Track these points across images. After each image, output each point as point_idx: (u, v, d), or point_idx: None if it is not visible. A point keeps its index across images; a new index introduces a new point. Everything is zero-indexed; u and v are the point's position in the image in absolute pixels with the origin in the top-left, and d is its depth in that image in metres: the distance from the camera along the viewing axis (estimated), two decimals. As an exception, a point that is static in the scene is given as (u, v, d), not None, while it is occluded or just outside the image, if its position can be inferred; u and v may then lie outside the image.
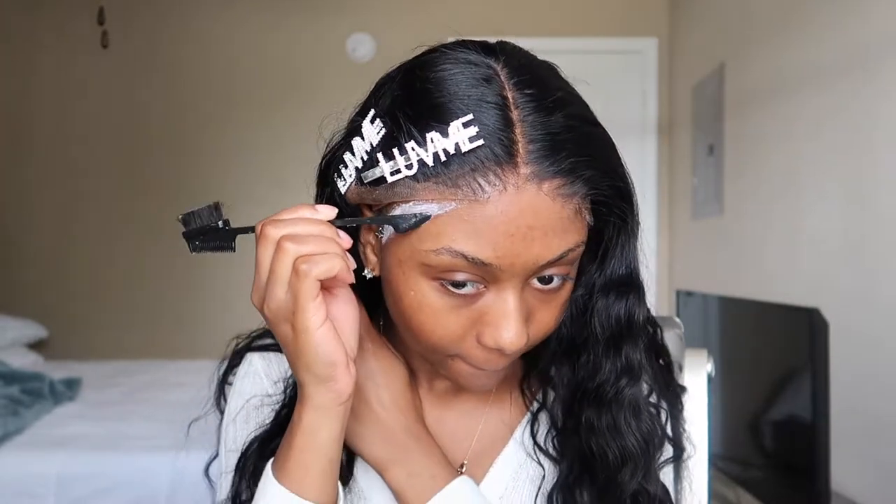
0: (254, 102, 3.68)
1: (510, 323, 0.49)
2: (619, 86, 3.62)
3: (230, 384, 0.68)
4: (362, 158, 0.50)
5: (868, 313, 1.79)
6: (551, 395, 0.63)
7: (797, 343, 1.38)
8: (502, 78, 0.48)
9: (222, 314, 3.55)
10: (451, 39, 0.54)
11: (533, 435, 0.62)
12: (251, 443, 0.62)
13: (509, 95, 0.47)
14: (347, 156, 0.51)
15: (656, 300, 3.47)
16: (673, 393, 0.64)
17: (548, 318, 0.53)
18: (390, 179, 0.48)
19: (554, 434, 0.61)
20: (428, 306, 0.50)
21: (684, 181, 3.40)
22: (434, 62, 0.50)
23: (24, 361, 2.91)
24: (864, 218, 1.85)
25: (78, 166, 3.70)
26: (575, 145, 0.47)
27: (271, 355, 0.67)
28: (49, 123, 3.71)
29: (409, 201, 0.47)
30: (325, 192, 0.56)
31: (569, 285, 0.53)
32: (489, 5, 3.61)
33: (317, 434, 0.51)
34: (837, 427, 1.35)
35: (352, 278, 0.49)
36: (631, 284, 0.57)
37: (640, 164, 3.64)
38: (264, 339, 0.68)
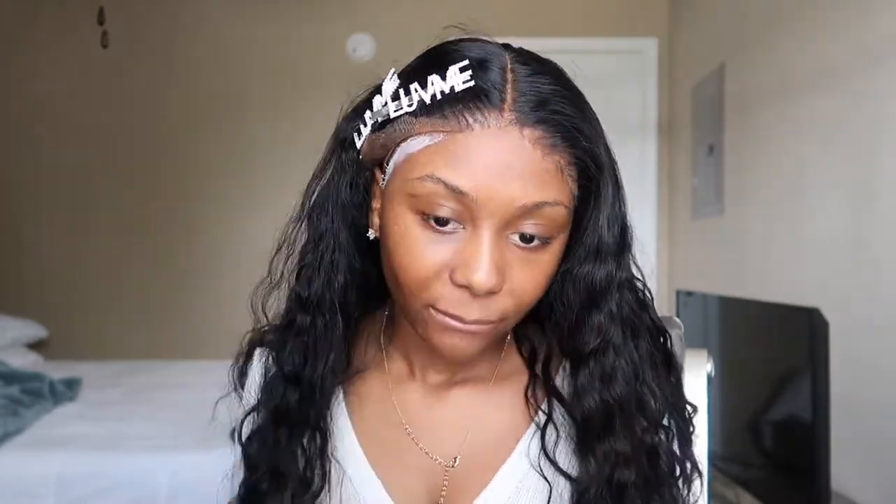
0: (254, 102, 3.68)
1: (482, 261, 0.51)
2: (619, 86, 3.62)
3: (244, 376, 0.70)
4: (378, 109, 0.55)
5: (868, 314, 1.79)
6: (558, 408, 0.62)
7: (797, 343, 1.38)
8: (507, 56, 0.54)
9: (223, 315, 3.55)
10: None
11: (543, 448, 0.61)
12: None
13: (509, 64, 0.53)
14: (367, 113, 0.56)
15: (656, 300, 3.46)
16: (682, 414, 0.63)
17: (527, 279, 0.54)
18: (393, 116, 0.54)
19: (571, 448, 0.61)
20: (410, 238, 0.53)
21: (684, 181, 3.40)
22: (451, 42, 0.56)
23: (24, 361, 2.91)
24: (864, 218, 1.85)
25: (78, 166, 3.70)
26: (561, 109, 0.52)
27: (266, 352, 0.68)
28: (49, 123, 3.71)
29: (407, 138, 0.53)
30: (338, 157, 0.60)
31: (551, 253, 0.55)
32: (489, 5, 3.61)
33: None
34: (837, 427, 1.35)
35: None
36: (598, 252, 0.57)
37: (640, 164, 3.64)
38: (271, 334, 0.68)
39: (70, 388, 2.38)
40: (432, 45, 0.58)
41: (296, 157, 3.53)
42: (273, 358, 0.66)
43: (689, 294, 2.06)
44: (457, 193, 0.50)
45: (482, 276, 0.51)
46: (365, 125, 0.56)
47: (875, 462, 1.71)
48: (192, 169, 3.70)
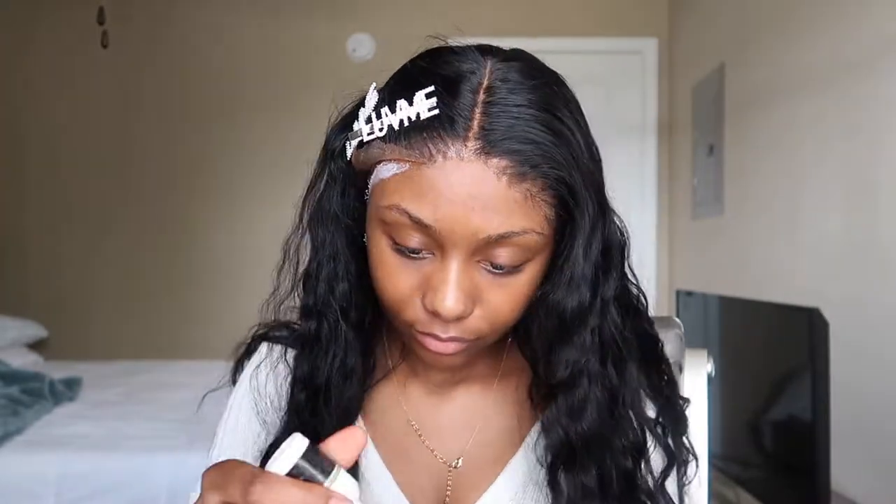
0: (254, 102, 3.68)
1: (448, 288, 0.51)
2: (619, 86, 3.62)
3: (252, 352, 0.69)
4: (359, 128, 0.55)
5: (868, 313, 1.79)
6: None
7: (797, 343, 1.38)
8: (486, 70, 0.52)
9: (223, 315, 3.55)
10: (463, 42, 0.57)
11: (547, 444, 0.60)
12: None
13: (484, 83, 0.51)
14: (356, 124, 0.55)
15: (656, 300, 3.47)
16: (674, 409, 0.63)
17: (500, 302, 0.54)
18: (366, 139, 0.53)
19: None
20: (384, 263, 0.54)
21: (684, 181, 3.40)
22: (435, 50, 0.55)
23: (24, 361, 2.91)
24: (864, 218, 1.85)
25: (78, 166, 3.70)
26: (533, 134, 0.50)
27: (277, 349, 0.67)
28: (49, 123, 3.71)
29: (380, 162, 0.52)
30: (329, 167, 0.59)
31: (527, 275, 0.54)
32: (489, 5, 3.61)
33: None
34: (837, 427, 1.35)
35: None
36: (571, 282, 0.56)
37: (640, 164, 3.64)
38: (280, 331, 0.68)
39: (70, 388, 2.38)
40: (414, 56, 0.57)
41: (296, 156, 3.52)
42: (284, 357, 0.66)
43: (689, 294, 2.06)
44: (421, 225, 0.50)
45: (449, 304, 0.51)
46: (353, 137, 0.56)
47: (875, 462, 1.71)
48: (193, 169, 3.70)
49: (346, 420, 0.61)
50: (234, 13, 3.69)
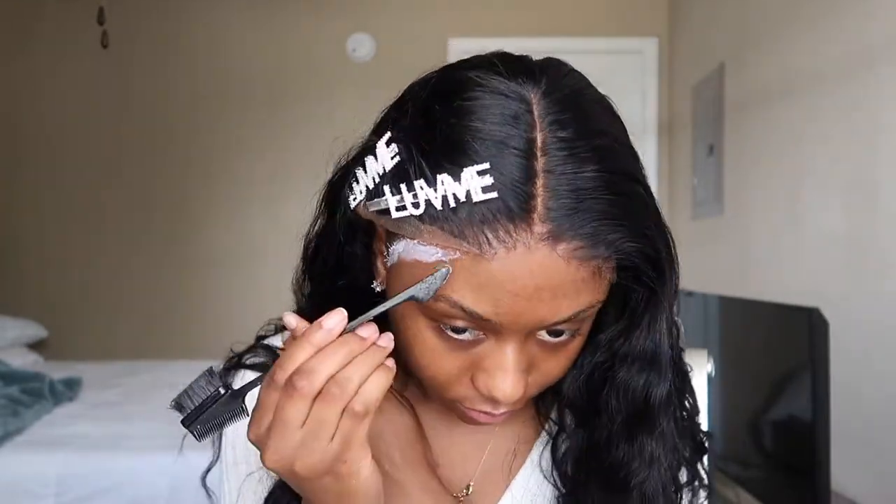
0: (254, 102, 3.68)
1: (506, 376, 0.46)
2: (619, 86, 3.60)
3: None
4: (374, 179, 0.46)
5: (868, 314, 1.79)
6: (569, 415, 0.60)
7: (797, 343, 1.38)
8: (535, 115, 0.43)
9: (223, 315, 3.55)
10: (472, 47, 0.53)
11: (554, 457, 0.58)
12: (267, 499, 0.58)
13: (538, 138, 0.43)
14: (360, 172, 0.47)
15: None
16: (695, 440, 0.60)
17: (554, 368, 0.50)
18: (395, 215, 0.44)
19: (573, 459, 0.58)
20: (423, 345, 0.48)
21: (684, 181, 3.40)
22: (461, 88, 0.45)
23: (24, 361, 2.91)
24: (864, 217, 1.85)
25: (78, 166, 3.70)
26: (604, 204, 0.43)
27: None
28: (49, 123, 3.71)
29: (414, 238, 0.44)
30: (335, 209, 0.51)
31: (580, 338, 0.49)
32: (489, 6, 3.61)
33: None
34: (837, 427, 1.35)
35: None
36: (654, 363, 0.51)
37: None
38: (255, 357, 0.62)
39: (70, 388, 2.38)
40: (435, 79, 0.48)
41: (297, 156, 3.53)
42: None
43: (689, 294, 2.06)
44: (477, 318, 0.44)
45: (507, 390, 0.46)
46: (357, 182, 0.47)
47: (875, 462, 1.70)
48: (193, 169, 3.70)
49: None
50: (234, 13, 3.69)
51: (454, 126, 0.43)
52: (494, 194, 0.41)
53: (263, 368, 0.60)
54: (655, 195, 0.48)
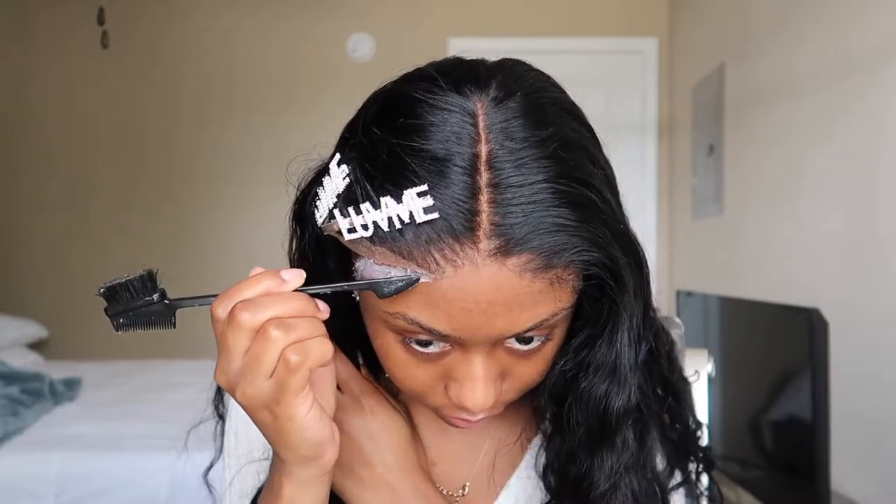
0: (254, 103, 3.68)
1: (475, 385, 0.47)
2: (619, 86, 3.62)
3: None
4: (332, 199, 0.46)
5: (868, 313, 1.79)
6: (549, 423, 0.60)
7: (797, 343, 1.38)
8: (480, 127, 0.42)
9: (222, 314, 3.55)
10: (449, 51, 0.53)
11: (547, 459, 0.58)
12: (256, 494, 0.58)
13: (483, 151, 0.42)
14: (321, 191, 0.47)
15: (656, 300, 3.46)
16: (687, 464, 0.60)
17: (528, 373, 0.50)
18: (347, 237, 0.44)
19: (551, 468, 0.58)
20: (393, 358, 0.48)
21: (684, 181, 3.40)
22: (403, 106, 0.44)
23: (24, 361, 2.91)
24: (864, 217, 1.85)
25: (78, 166, 3.70)
26: (554, 216, 0.42)
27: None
28: (49, 123, 3.71)
29: (368, 258, 0.44)
30: (304, 227, 0.52)
31: (553, 342, 0.49)
32: (489, 6, 3.61)
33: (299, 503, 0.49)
34: (837, 427, 1.35)
35: (331, 361, 0.45)
36: (614, 374, 0.51)
37: (640, 164, 3.64)
38: None
39: (70, 388, 2.38)
40: (382, 95, 0.48)
41: (295, 155, 3.53)
42: None
43: (689, 294, 2.06)
44: (436, 335, 0.45)
45: (477, 400, 0.47)
46: (320, 200, 0.47)
47: (875, 462, 1.71)
48: (193, 169, 3.70)
49: None
50: (234, 13, 3.69)
51: (395, 146, 0.43)
52: (436, 214, 0.41)
53: None
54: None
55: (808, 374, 1.33)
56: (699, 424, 0.61)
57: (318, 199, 0.47)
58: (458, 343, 0.45)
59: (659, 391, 0.57)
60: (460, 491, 0.61)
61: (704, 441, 0.63)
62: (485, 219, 0.41)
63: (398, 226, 0.42)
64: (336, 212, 0.44)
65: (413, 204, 0.41)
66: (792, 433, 1.45)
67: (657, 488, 0.56)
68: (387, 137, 0.43)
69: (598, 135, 0.49)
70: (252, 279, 0.44)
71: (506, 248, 0.41)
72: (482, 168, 0.42)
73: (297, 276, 0.44)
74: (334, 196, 0.45)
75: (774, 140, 2.41)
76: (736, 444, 1.71)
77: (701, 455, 0.60)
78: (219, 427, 0.66)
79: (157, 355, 3.36)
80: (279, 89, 3.67)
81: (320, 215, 0.47)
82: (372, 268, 0.44)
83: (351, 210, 0.43)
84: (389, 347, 0.48)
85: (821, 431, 1.30)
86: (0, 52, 3.68)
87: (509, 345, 0.47)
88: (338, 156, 0.46)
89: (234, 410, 0.65)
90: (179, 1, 3.71)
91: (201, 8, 3.71)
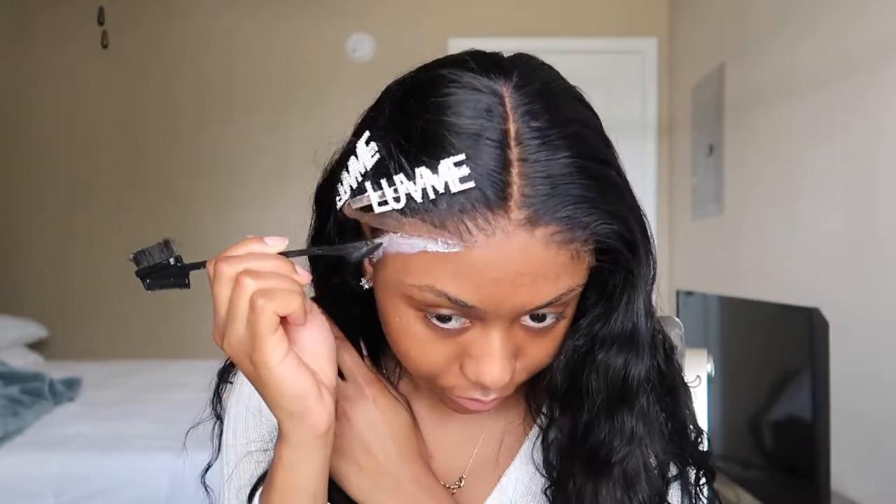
0: (254, 102, 3.68)
1: (493, 360, 0.48)
2: (619, 86, 3.62)
3: (230, 382, 0.66)
4: (356, 178, 0.48)
5: (868, 313, 1.79)
6: (556, 406, 0.60)
7: (797, 343, 1.38)
8: (508, 107, 0.45)
9: (222, 314, 3.55)
10: (457, 48, 0.53)
11: (545, 450, 0.59)
12: (257, 482, 0.59)
13: (512, 129, 0.44)
14: (344, 174, 0.49)
15: (656, 300, 3.46)
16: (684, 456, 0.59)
17: (540, 353, 0.51)
18: (377, 210, 0.45)
19: (557, 447, 0.59)
20: (412, 335, 0.49)
21: (684, 181, 3.40)
22: (435, 85, 0.46)
23: (24, 361, 2.91)
24: (864, 217, 1.85)
25: (78, 166, 3.71)
26: (578, 188, 0.44)
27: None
28: (49, 123, 3.71)
29: (396, 232, 0.45)
30: (324, 210, 0.54)
31: (565, 321, 0.51)
32: (489, 6, 3.61)
33: (297, 470, 0.49)
34: (837, 427, 1.35)
35: (304, 319, 0.47)
36: (632, 343, 0.53)
37: (640, 164, 3.64)
38: None
39: (70, 388, 2.38)
40: (408, 78, 0.50)
41: (297, 156, 3.53)
42: None
43: (689, 294, 2.06)
44: (462, 306, 0.46)
45: (495, 375, 0.48)
46: (342, 184, 0.49)
47: (875, 462, 1.71)
48: (192, 168, 3.70)
49: None
50: (233, 13, 3.69)
51: (430, 121, 0.45)
52: (471, 184, 0.43)
53: None
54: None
55: (808, 374, 1.33)
56: (700, 431, 0.61)
57: (341, 181, 0.49)
58: (479, 318, 0.47)
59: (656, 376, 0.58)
60: (456, 483, 0.61)
61: (705, 447, 0.63)
62: (515, 190, 0.43)
63: (432, 196, 0.44)
64: (367, 185, 0.46)
65: (449, 174, 0.43)
66: (792, 433, 1.45)
67: (659, 472, 0.57)
68: (420, 113, 0.45)
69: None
70: (240, 243, 0.48)
71: (534, 219, 0.44)
72: (512, 143, 0.44)
73: (280, 242, 0.48)
74: (359, 175, 0.47)
75: (774, 140, 2.41)
76: (736, 444, 1.71)
77: (700, 460, 0.60)
78: (216, 427, 0.66)
79: (157, 355, 3.36)
80: (279, 89, 3.67)
81: (342, 197, 0.49)
82: (397, 242, 0.45)
83: (383, 182, 0.45)
84: (408, 325, 0.49)
85: (821, 431, 1.30)
86: (0, 52, 3.68)
87: (524, 322, 0.49)
88: (366, 134, 0.48)
89: (233, 409, 0.66)
90: (179, 1, 3.72)
91: (201, 8, 3.71)
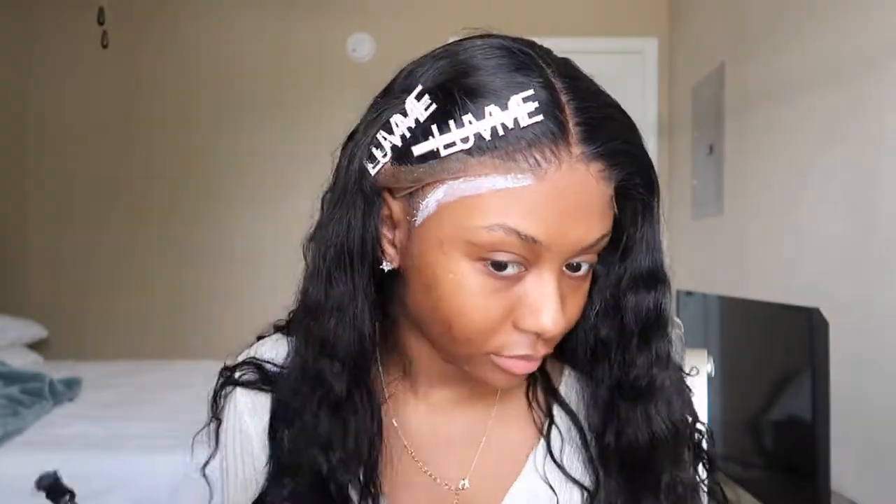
0: (254, 102, 3.68)
1: (551, 305, 0.48)
2: (619, 86, 3.58)
3: (233, 383, 0.65)
4: (403, 136, 0.48)
5: (868, 313, 1.79)
6: (557, 412, 0.61)
7: (797, 343, 1.38)
8: (549, 72, 0.48)
9: (223, 315, 3.55)
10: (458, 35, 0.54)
11: (554, 460, 0.59)
12: None
13: (559, 84, 0.47)
14: (381, 135, 0.49)
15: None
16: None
17: (575, 306, 0.52)
18: (444, 153, 0.46)
19: (579, 457, 0.60)
20: (467, 289, 0.48)
21: (684, 181, 3.40)
22: (475, 46, 0.50)
23: (24, 361, 2.91)
24: (864, 217, 1.85)
25: (77, 166, 3.70)
26: (613, 131, 0.48)
27: (252, 393, 0.63)
28: (49, 123, 3.71)
29: (458, 177, 0.46)
30: (349, 195, 0.51)
31: (589, 276, 0.53)
32: (489, 5, 3.61)
33: None
34: (837, 427, 1.35)
35: None
36: (657, 276, 0.55)
37: (640, 164, 3.64)
38: (248, 374, 0.62)
39: (70, 388, 2.38)
40: (443, 48, 0.51)
41: (296, 156, 3.53)
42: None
43: (689, 294, 2.06)
44: (530, 242, 0.46)
45: (555, 321, 0.48)
46: (379, 147, 0.49)
47: (875, 462, 1.71)
48: (193, 169, 3.70)
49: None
50: (233, 13, 3.69)
51: (487, 69, 0.47)
52: (540, 117, 0.45)
53: (255, 386, 0.62)
54: None
55: (808, 374, 1.33)
56: (695, 415, 0.63)
57: (378, 146, 0.49)
58: (537, 259, 0.48)
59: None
60: (461, 483, 0.60)
61: (704, 444, 0.63)
62: (572, 127, 0.46)
63: (501, 133, 0.45)
64: (433, 128, 0.47)
65: (519, 109, 0.45)
66: (792, 433, 1.45)
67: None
68: (475, 64, 0.48)
69: None
70: None
71: (589, 154, 0.47)
72: (561, 92, 0.47)
73: None
74: (407, 131, 0.48)
75: (774, 140, 2.41)
76: (736, 444, 1.71)
77: (700, 451, 0.62)
78: (212, 426, 0.66)
79: (158, 355, 3.36)
80: (279, 89, 3.66)
81: (380, 162, 0.49)
82: (460, 187, 0.47)
83: (451, 124, 0.46)
84: (463, 279, 0.48)
85: (821, 431, 1.30)
86: (0, 53, 3.68)
87: (565, 272, 0.50)
88: (418, 87, 0.48)
89: (233, 411, 0.65)
90: (179, 1, 3.71)
91: (201, 8, 3.71)
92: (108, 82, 3.69)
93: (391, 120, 0.49)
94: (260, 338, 0.66)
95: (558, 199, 0.46)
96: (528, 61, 0.48)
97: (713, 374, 0.77)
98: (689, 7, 3.41)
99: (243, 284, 3.59)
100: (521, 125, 0.45)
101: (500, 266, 0.48)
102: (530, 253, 0.47)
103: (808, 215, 2.16)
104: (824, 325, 1.31)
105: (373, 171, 0.50)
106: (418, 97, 0.48)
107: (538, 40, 0.52)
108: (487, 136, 0.45)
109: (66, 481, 1.81)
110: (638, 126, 0.51)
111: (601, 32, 3.65)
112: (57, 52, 3.68)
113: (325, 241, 0.53)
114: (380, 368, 0.61)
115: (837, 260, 1.97)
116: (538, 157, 0.45)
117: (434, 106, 0.47)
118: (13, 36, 3.69)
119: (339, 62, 3.64)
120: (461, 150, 0.46)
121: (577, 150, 0.46)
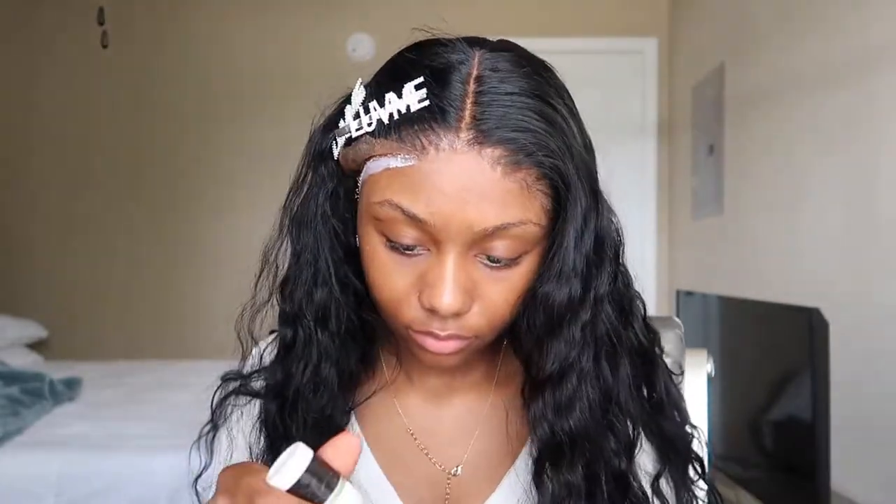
0: (254, 102, 3.68)
1: (445, 286, 0.50)
2: (619, 86, 3.62)
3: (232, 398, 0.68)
4: (347, 124, 0.54)
5: (868, 313, 1.79)
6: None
7: (797, 343, 1.38)
8: (475, 60, 0.51)
9: (224, 315, 3.54)
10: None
11: (538, 455, 0.59)
12: None
13: (473, 73, 0.50)
14: (342, 121, 0.55)
15: (656, 300, 3.47)
16: (673, 411, 0.61)
17: (497, 297, 0.53)
18: (354, 136, 0.52)
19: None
20: (378, 261, 0.53)
21: (684, 181, 3.40)
22: (421, 44, 0.54)
23: (24, 361, 2.91)
24: (864, 217, 1.85)
25: (78, 166, 3.70)
26: (525, 120, 0.49)
27: (242, 410, 0.66)
28: (49, 124, 3.71)
29: (370, 157, 0.52)
30: (315, 169, 0.58)
31: (523, 268, 0.53)
32: (488, 5, 3.61)
33: None
34: (837, 427, 1.35)
35: None
36: (561, 274, 0.54)
37: (640, 164, 3.64)
38: (240, 384, 0.66)
39: (70, 388, 2.38)
40: (400, 49, 0.56)
41: (295, 156, 3.52)
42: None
43: (689, 294, 2.06)
44: (415, 220, 0.49)
45: (447, 299, 0.50)
46: (340, 134, 0.55)
47: (875, 462, 1.71)
48: (192, 169, 3.70)
49: (320, 433, 0.56)
50: (233, 13, 3.69)
51: (406, 62, 0.53)
52: (427, 103, 0.49)
53: (256, 395, 0.65)
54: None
55: (808, 374, 1.33)
56: (685, 415, 0.62)
57: (338, 128, 0.55)
58: (436, 241, 0.50)
59: (627, 334, 0.59)
60: (454, 469, 0.62)
61: (698, 444, 0.63)
62: (467, 114, 0.49)
63: (396, 117, 0.50)
64: (361, 113, 0.52)
65: (410, 97, 0.50)
66: (792, 433, 1.45)
67: (629, 423, 0.58)
68: (402, 57, 0.54)
69: (583, 122, 0.56)
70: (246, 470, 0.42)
71: (481, 139, 0.49)
72: (471, 81, 0.50)
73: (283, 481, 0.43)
74: (351, 118, 0.53)
75: (774, 140, 2.41)
76: (736, 444, 1.71)
77: (685, 447, 0.61)
78: (209, 435, 0.68)
79: (158, 355, 3.36)
80: (279, 89, 3.66)
81: (338, 148, 0.55)
82: (369, 167, 0.52)
83: (361, 111, 0.52)
84: (374, 252, 0.53)
85: (821, 431, 1.30)
86: (0, 52, 3.68)
87: (481, 260, 0.52)
88: (360, 79, 0.55)
89: (233, 416, 0.66)
90: (179, 1, 3.71)
91: (201, 8, 3.71)
92: (108, 82, 3.69)
93: (345, 109, 0.55)
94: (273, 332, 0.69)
95: (440, 179, 0.48)
96: (459, 58, 0.51)
97: (713, 373, 0.76)
98: (689, 7, 3.41)
99: (244, 285, 3.58)
100: (412, 109, 0.49)
101: (405, 245, 0.51)
102: (424, 233, 0.50)
103: (807, 215, 2.16)
104: (824, 325, 1.31)
105: (336, 155, 0.55)
106: (359, 88, 0.54)
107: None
108: (385, 120, 0.50)
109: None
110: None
111: (601, 32, 3.65)
112: (57, 52, 3.68)
113: (289, 208, 0.62)
114: (382, 359, 0.65)
115: (837, 260, 1.97)
116: (422, 138, 0.49)
117: (363, 95, 0.53)
118: (13, 36, 3.69)
119: (339, 62, 3.64)
120: (367, 133, 0.52)
121: (467, 134, 0.48)
